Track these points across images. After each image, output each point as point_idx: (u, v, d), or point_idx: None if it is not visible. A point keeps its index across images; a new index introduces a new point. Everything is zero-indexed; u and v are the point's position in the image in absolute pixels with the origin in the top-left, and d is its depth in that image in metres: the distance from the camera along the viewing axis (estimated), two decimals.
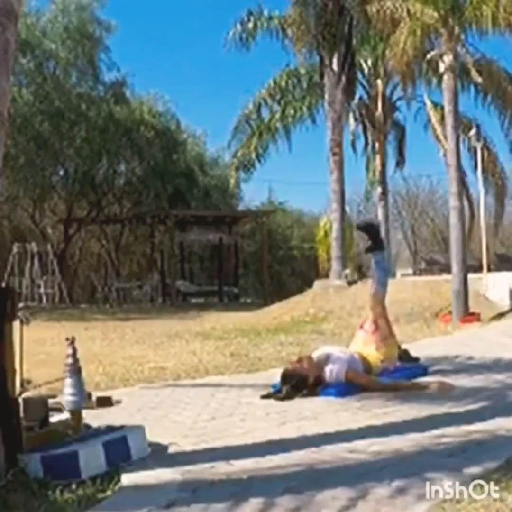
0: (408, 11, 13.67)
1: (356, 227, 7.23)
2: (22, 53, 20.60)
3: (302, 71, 20.28)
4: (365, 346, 6.14)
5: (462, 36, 13.66)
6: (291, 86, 20.59)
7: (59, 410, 3.97)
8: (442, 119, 14.74)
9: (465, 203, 15.84)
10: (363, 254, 13.19)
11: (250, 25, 18.41)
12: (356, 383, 5.54)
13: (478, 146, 16.62)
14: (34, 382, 3.80)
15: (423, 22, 13.21)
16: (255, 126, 20.78)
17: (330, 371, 5.57)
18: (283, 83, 20.49)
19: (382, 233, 8.64)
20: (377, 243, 6.67)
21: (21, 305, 3.89)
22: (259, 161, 21.19)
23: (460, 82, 15.41)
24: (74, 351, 4.14)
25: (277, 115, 20.59)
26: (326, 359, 5.69)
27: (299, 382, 5.42)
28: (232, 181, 23.39)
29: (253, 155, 20.97)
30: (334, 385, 5.51)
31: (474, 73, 13.75)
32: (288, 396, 5.31)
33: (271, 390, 5.55)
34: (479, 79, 14.37)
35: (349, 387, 5.49)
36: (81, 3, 22.46)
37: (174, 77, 47.73)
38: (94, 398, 4.66)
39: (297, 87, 20.64)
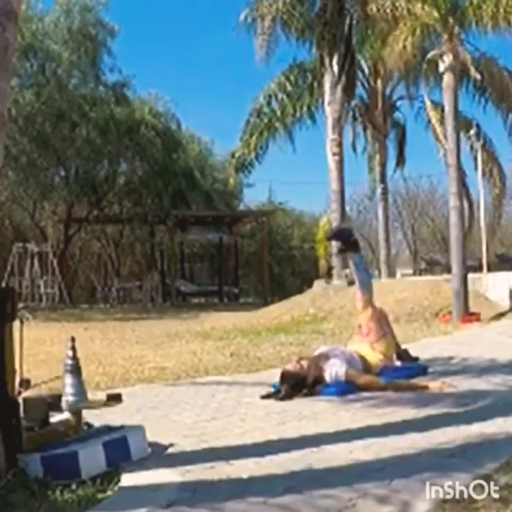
0: (408, 10, 13.68)
1: (327, 239, 7.43)
2: (24, 55, 20.61)
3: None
4: (361, 345, 6.17)
5: (463, 36, 13.66)
6: (301, 81, 20.41)
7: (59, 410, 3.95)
8: (442, 119, 14.74)
9: (465, 203, 15.84)
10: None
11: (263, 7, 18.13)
12: (356, 383, 5.54)
13: (478, 146, 16.62)
14: (33, 382, 3.80)
15: (423, 22, 13.21)
16: (266, 119, 20.65)
17: (330, 371, 5.57)
18: (292, 78, 20.35)
19: (357, 235, 8.73)
20: (349, 244, 6.69)
21: (21, 305, 3.89)
22: (258, 160, 21.16)
23: (460, 82, 15.42)
24: (74, 351, 4.14)
25: (277, 114, 20.55)
26: (326, 359, 5.69)
27: (298, 382, 5.43)
28: (231, 181, 23.39)
29: (253, 155, 20.94)
30: (334, 385, 5.51)
31: (472, 71, 13.73)
32: (288, 396, 5.31)
33: (271, 390, 5.55)
34: (478, 76, 14.36)
35: (349, 387, 5.49)
36: (85, 5, 22.47)
37: (181, 80, 47.71)
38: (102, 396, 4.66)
39: (306, 82, 20.49)
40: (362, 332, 6.31)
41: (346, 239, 6.78)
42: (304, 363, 5.61)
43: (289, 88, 20.27)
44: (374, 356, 6.05)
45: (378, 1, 14.81)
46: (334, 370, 5.57)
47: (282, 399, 5.29)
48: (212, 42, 51.06)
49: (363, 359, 5.90)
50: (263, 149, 20.89)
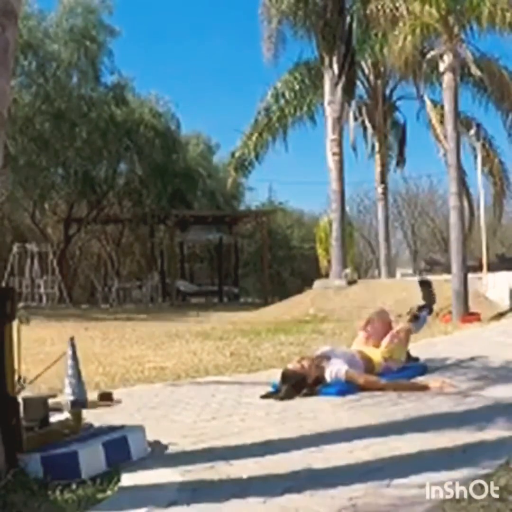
0: (408, 9, 13.68)
1: (419, 283, 8.03)
2: (23, 55, 20.60)
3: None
4: (370, 340, 6.23)
5: (462, 35, 13.66)
6: (307, 79, 20.33)
7: (59, 410, 3.97)
8: (442, 118, 14.74)
9: (465, 203, 15.84)
10: (362, 254, 13.46)
11: None
12: (356, 382, 5.54)
13: (478, 145, 16.62)
14: (29, 379, 3.80)
15: (423, 21, 13.20)
16: (274, 118, 20.60)
17: (330, 371, 5.58)
18: (298, 75, 20.28)
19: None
20: (430, 304, 7.31)
21: (21, 305, 3.89)
22: (258, 160, 21.15)
23: (460, 81, 15.42)
24: (74, 352, 4.15)
25: (277, 114, 20.53)
26: (327, 359, 5.69)
27: (299, 382, 5.43)
28: (230, 180, 23.38)
29: (252, 155, 20.94)
30: (334, 385, 5.51)
31: (473, 69, 13.75)
32: (288, 396, 5.31)
33: (271, 389, 5.56)
34: (479, 73, 14.38)
35: (349, 386, 5.49)
36: (88, 7, 22.46)
37: (186, 80, 47.72)
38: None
39: (311, 80, 20.42)
40: (390, 327, 6.41)
41: (430, 296, 7.34)
42: (305, 362, 5.61)
43: (296, 86, 20.25)
44: (379, 355, 6.05)
45: (379, 1, 14.82)
46: (334, 370, 5.57)
47: (282, 398, 5.29)
48: (218, 42, 51.07)
49: (365, 358, 5.89)
50: (263, 149, 20.89)
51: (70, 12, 22.36)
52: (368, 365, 5.85)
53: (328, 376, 5.57)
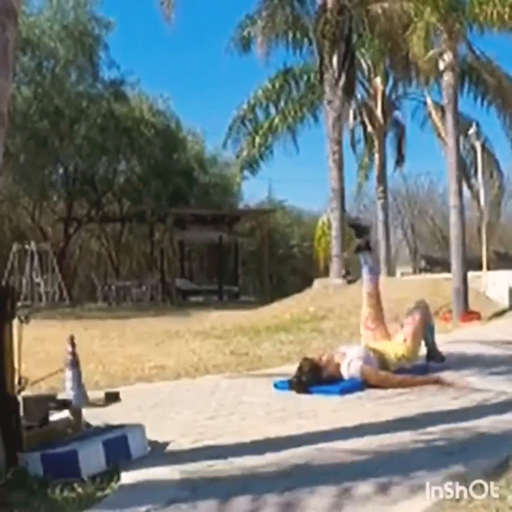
0: (402, 8, 13.70)
1: (348, 224, 7.54)
2: (22, 52, 20.59)
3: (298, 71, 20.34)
4: (385, 339, 6.23)
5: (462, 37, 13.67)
6: (287, 87, 20.54)
7: (66, 405, 3.95)
8: (442, 117, 14.75)
9: (474, 202, 15.85)
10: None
11: (248, 31, 18.48)
12: (371, 379, 5.54)
13: (478, 144, 16.61)
14: (32, 380, 3.81)
15: (425, 21, 13.20)
16: (250, 127, 20.75)
17: (347, 364, 5.59)
18: (277, 85, 20.45)
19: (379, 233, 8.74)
20: (367, 243, 6.90)
21: (20, 304, 3.89)
22: (263, 160, 21.19)
23: (460, 80, 15.44)
24: (74, 350, 4.15)
25: (278, 117, 20.57)
26: (343, 356, 5.71)
27: (314, 371, 5.45)
28: (237, 180, 23.40)
29: (257, 155, 20.99)
30: (337, 383, 5.50)
31: (486, 76, 13.81)
32: (301, 385, 5.37)
33: (273, 389, 5.57)
34: (492, 80, 14.44)
35: (350, 385, 5.48)
36: (77, 0, 22.43)
37: (173, 74, 47.61)
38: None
39: (294, 87, 20.60)
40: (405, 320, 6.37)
41: (364, 234, 6.94)
42: (325, 357, 5.67)
43: (286, 89, 20.38)
44: (393, 353, 6.05)
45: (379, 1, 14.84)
46: (351, 367, 5.58)
47: (297, 389, 5.35)
48: (218, 42, 50.85)
49: (379, 357, 5.87)
50: (268, 149, 20.93)
51: (60, 8, 22.33)
52: (382, 363, 5.85)
53: (344, 371, 5.57)
